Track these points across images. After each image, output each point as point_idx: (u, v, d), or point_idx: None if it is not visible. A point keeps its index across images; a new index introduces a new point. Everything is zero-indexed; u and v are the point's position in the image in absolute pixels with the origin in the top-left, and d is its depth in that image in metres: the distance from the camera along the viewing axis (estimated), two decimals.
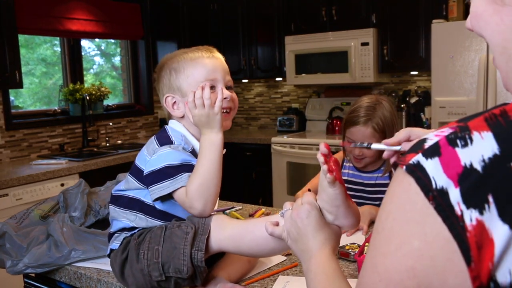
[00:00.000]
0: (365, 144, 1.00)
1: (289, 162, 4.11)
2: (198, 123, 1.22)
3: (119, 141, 4.49)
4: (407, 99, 4.02)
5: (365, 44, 3.92)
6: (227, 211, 1.96)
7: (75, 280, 1.43)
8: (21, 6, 3.61)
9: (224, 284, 1.19)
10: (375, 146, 0.97)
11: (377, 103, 1.81)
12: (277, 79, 4.85)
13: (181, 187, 1.17)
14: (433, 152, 0.52)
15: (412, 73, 4.10)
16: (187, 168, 1.19)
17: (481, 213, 0.48)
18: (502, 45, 0.61)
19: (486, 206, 0.48)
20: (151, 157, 1.22)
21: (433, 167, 0.51)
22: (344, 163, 1.97)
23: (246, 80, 5.02)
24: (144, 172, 1.22)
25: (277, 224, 1.04)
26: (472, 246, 0.48)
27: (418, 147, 0.54)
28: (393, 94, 4.18)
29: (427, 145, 0.53)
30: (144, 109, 4.77)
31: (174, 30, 4.72)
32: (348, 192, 1.72)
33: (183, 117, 1.30)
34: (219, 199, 2.11)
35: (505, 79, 0.62)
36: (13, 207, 2.93)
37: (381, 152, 0.99)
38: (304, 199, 0.96)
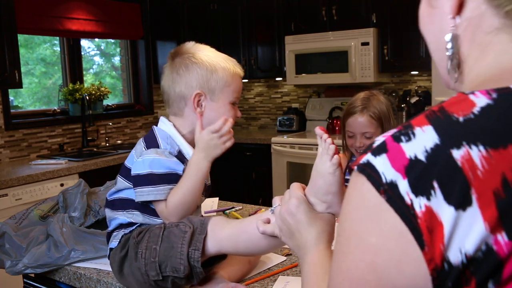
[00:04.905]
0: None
1: (289, 162, 4.11)
2: (201, 143, 1.26)
3: (118, 141, 4.49)
4: (408, 99, 4.02)
5: (365, 44, 3.91)
6: (227, 211, 1.95)
7: (74, 281, 1.42)
8: (21, 6, 3.60)
9: (225, 284, 1.19)
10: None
11: (371, 95, 1.93)
12: (277, 79, 4.85)
13: (162, 199, 1.24)
14: (380, 149, 0.55)
15: (413, 73, 4.10)
16: (171, 178, 1.25)
17: (428, 199, 0.51)
18: (436, 44, 0.66)
19: (432, 192, 0.51)
20: (137, 158, 1.27)
21: (381, 163, 0.54)
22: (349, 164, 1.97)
23: (246, 80, 5.01)
24: (131, 172, 1.27)
25: (268, 222, 1.02)
26: (424, 231, 0.51)
27: (367, 148, 0.57)
28: (393, 94, 4.17)
29: (375, 145, 0.56)
30: (144, 109, 4.76)
31: (174, 30, 4.71)
32: None
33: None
34: (219, 199, 2.12)
35: (444, 76, 0.67)
36: (13, 207, 2.93)
37: None
38: (291, 193, 0.93)
